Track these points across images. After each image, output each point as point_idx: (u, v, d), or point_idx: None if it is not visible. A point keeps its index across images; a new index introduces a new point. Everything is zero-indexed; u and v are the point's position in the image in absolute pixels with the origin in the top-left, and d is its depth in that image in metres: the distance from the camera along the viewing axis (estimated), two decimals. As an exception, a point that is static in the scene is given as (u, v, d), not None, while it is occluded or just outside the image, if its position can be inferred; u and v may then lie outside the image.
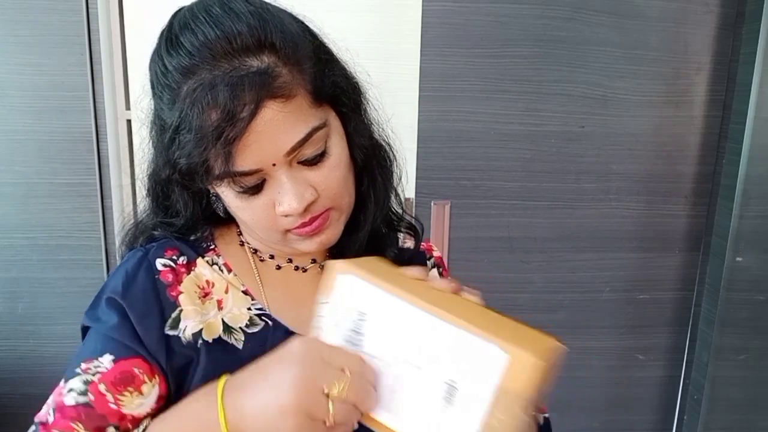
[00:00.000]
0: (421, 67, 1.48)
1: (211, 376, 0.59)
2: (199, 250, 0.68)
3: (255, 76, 0.52)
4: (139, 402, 0.59)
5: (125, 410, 0.58)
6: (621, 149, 1.58)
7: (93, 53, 1.44)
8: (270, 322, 0.66)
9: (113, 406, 0.58)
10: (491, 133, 1.54)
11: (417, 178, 1.54)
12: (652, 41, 1.52)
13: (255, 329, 0.66)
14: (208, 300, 0.65)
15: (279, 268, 0.71)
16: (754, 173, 1.49)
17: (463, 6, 1.47)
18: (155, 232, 0.68)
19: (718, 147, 1.59)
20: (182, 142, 0.55)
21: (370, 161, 0.67)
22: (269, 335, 0.66)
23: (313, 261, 0.72)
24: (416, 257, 0.78)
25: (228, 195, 0.59)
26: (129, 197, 1.50)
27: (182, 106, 0.54)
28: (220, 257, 0.68)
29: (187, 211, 0.66)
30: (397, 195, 0.73)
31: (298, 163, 0.58)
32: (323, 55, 0.61)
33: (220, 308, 0.66)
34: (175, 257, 0.66)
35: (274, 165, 0.56)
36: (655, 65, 1.54)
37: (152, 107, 0.61)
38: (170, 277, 0.64)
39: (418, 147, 1.52)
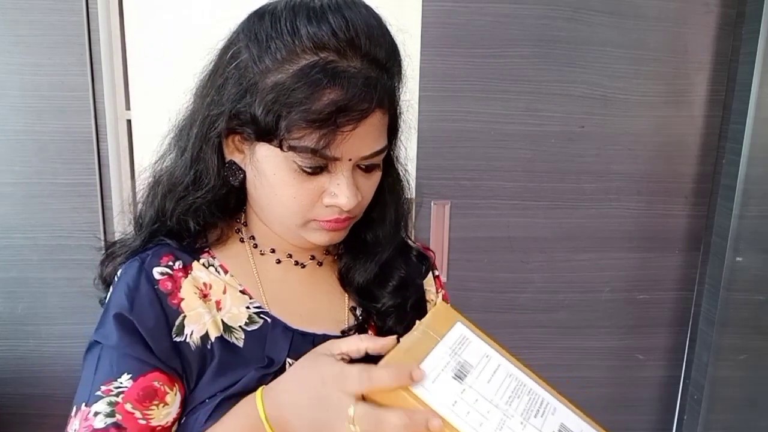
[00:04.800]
0: (421, 67, 1.48)
1: (218, 374, 0.63)
2: (193, 253, 0.68)
3: (382, 85, 0.59)
4: (167, 411, 0.61)
5: (154, 423, 0.60)
6: (621, 149, 1.58)
7: (93, 53, 1.44)
8: (269, 320, 0.68)
9: (142, 422, 0.59)
10: (491, 133, 1.54)
11: (417, 178, 1.54)
12: (652, 41, 1.52)
13: (254, 327, 0.67)
14: (207, 301, 0.66)
15: (279, 262, 0.72)
16: (754, 173, 1.49)
17: (463, 6, 1.47)
18: (183, 211, 0.67)
19: (718, 147, 1.59)
20: (285, 104, 0.56)
21: (394, 188, 0.74)
22: (268, 332, 0.67)
23: (312, 257, 0.74)
24: (420, 258, 0.82)
25: (280, 167, 0.61)
26: (129, 197, 1.50)
27: (306, 73, 0.56)
28: (215, 259, 0.69)
29: (213, 173, 0.65)
30: (405, 222, 0.78)
31: (358, 166, 0.63)
32: (401, 93, 0.67)
33: (218, 309, 0.67)
34: (171, 263, 0.66)
35: (349, 160, 0.60)
36: (655, 65, 1.54)
37: (229, 55, 0.61)
38: (169, 285, 0.65)
39: (418, 147, 1.52)
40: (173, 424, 0.62)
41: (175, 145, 0.69)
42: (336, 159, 0.59)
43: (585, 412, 0.57)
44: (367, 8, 0.62)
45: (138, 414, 0.59)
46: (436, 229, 1.57)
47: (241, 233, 0.72)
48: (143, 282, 0.64)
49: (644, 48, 1.53)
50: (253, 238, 0.72)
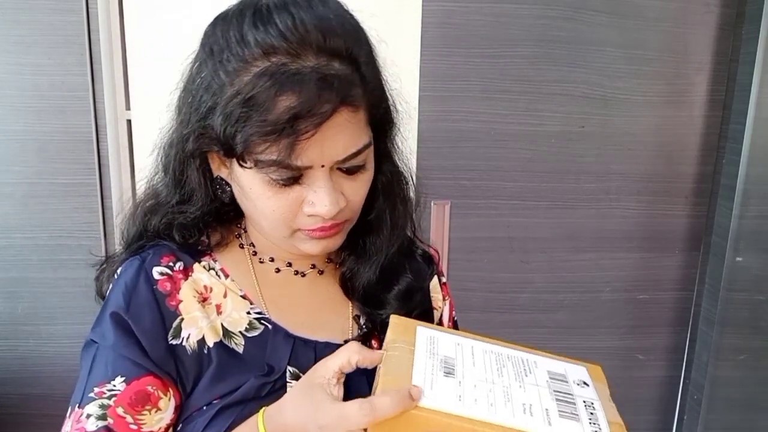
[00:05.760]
0: (421, 67, 1.48)
1: (216, 380, 0.61)
2: (194, 255, 0.67)
3: (342, 79, 0.54)
4: (159, 417, 0.60)
5: (145, 428, 0.59)
6: (621, 149, 1.58)
7: (93, 53, 1.44)
8: (270, 326, 0.67)
9: (133, 427, 0.58)
10: (491, 133, 1.54)
11: (417, 178, 1.54)
12: (652, 41, 1.52)
13: (255, 333, 0.66)
14: (207, 305, 0.65)
15: (278, 271, 0.70)
16: (754, 173, 1.49)
17: (463, 6, 1.47)
18: (166, 225, 0.67)
19: (718, 147, 1.59)
20: (240, 118, 0.54)
21: (391, 187, 0.69)
22: (269, 338, 0.66)
23: (312, 266, 0.72)
24: (424, 258, 0.80)
25: (254, 181, 0.58)
26: (129, 197, 1.50)
27: (256, 83, 0.53)
28: (217, 262, 0.68)
29: (201, 192, 0.64)
30: (412, 221, 0.75)
31: (338, 169, 0.59)
32: (383, 81, 0.63)
33: (219, 313, 0.65)
34: (171, 264, 0.65)
35: (322, 166, 0.57)
36: (655, 65, 1.54)
37: (193, 71, 0.60)
38: (168, 285, 0.64)
39: (418, 147, 1.52)
40: (166, 430, 0.61)
41: (161, 163, 0.67)
42: (306, 167, 0.56)
43: (554, 352, 0.60)
44: None
45: (129, 419, 0.58)
46: (436, 229, 1.57)
47: (242, 239, 0.71)
48: (142, 282, 0.63)
49: (644, 48, 1.52)
50: (253, 245, 0.70)
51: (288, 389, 0.63)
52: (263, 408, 0.57)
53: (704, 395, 1.64)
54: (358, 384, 0.57)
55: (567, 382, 0.55)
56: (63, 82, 1.44)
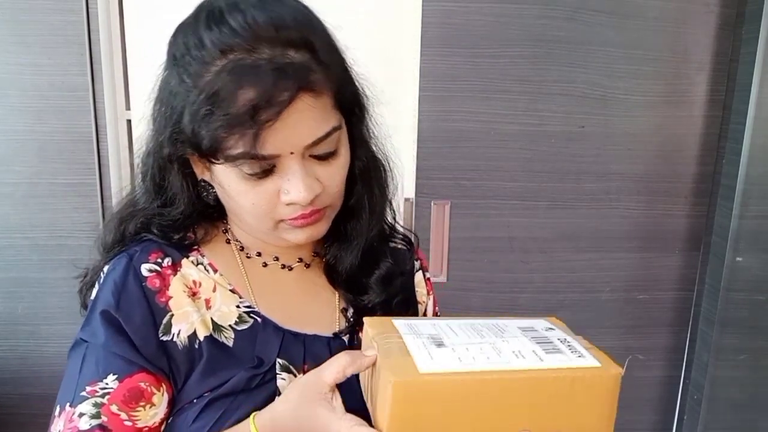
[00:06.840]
0: (421, 67, 1.48)
1: (207, 374, 0.62)
2: (182, 250, 0.68)
3: (297, 66, 0.55)
4: (153, 412, 0.60)
5: (140, 424, 0.59)
6: (621, 149, 1.58)
7: (93, 53, 1.44)
8: (259, 319, 0.67)
9: (128, 423, 0.59)
10: (491, 133, 1.54)
11: (417, 178, 1.54)
12: (652, 41, 1.52)
13: (244, 326, 0.67)
14: (197, 299, 0.66)
15: (265, 265, 0.71)
16: (754, 173, 1.49)
17: (463, 6, 1.47)
18: (144, 225, 0.68)
19: (718, 147, 1.59)
20: (205, 116, 0.55)
21: (368, 173, 0.70)
22: (259, 332, 0.67)
23: (299, 260, 0.73)
24: (405, 243, 0.81)
25: (231, 178, 0.60)
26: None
27: (216, 80, 0.54)
28: (205, 257, 0.69)
29: (183, 196, 0.66)
30: (391, 207, 0.76)
31: (310, 156, 0.60)
32: (347, 66, 0.64)
33: (208, 307, 0.66)
34: (159, 260, 0.66)
35: (291, 153, 0.58)
36: (655, 65, 1.54)
37: (162, 81, 0.61)
38: (157, 282, 0.64)
39: (418, 147, 1.51)
40: (161, 424, 0.62)
41: (140, 171, 0.69)
42: (275, 156, 0.57)
43: (512, 314, 0.66)
44: None
45: (124, 416, 0.58)
46: (436, 229, 1.57)
47: (228, 234, 0.71)
48: (131, 279, 0.63)
49: (644, 48, 1.52)
50: (239, 241, 0.71)
51: (278, 381, 0.64)
52: (254, 414, 0.57)
53: (704, 395, 1.64)
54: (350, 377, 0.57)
55: (537, 330, 0.62)
56: (63, 82, 1.44)
